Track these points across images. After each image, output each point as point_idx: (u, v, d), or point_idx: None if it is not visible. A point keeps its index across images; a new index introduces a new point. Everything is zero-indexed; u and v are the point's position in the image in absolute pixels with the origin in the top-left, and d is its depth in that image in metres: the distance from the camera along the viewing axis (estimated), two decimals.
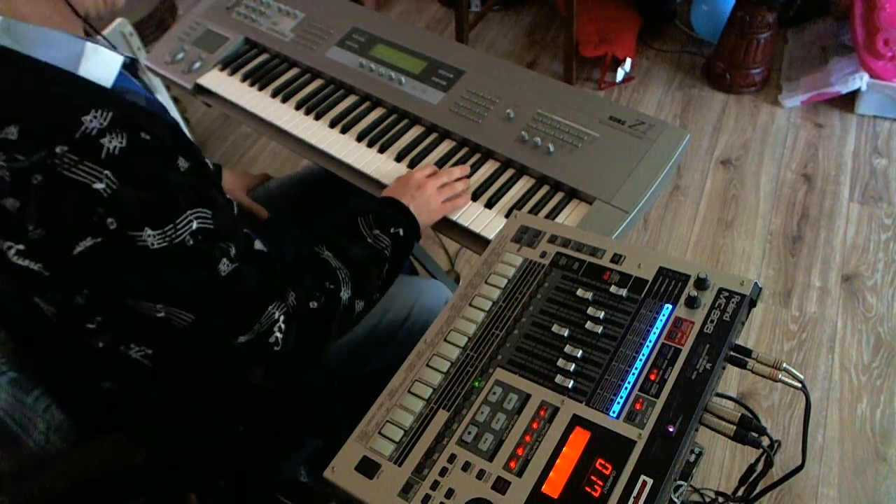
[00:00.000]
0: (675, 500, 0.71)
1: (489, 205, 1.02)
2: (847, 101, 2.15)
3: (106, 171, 0.62)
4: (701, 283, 0.69)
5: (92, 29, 0.80)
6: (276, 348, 0.77)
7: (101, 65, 0.69)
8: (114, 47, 0.79)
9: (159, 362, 0.81)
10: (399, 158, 1.11)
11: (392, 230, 0.91)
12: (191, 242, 0.68)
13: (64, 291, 0.71)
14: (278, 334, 0.77)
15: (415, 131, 1.15)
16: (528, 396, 0.66)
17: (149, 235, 0.65)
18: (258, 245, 0.98)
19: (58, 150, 0.61)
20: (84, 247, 0.64)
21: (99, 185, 0.62)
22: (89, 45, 0.69)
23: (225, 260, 0.72)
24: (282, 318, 0.77)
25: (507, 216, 1.00)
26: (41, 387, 0.83)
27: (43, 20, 0.69)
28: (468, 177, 1.06)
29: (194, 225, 0.68)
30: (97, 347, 0.77)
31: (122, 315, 0.73)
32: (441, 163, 1.09)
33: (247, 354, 0.77)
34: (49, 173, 0.62)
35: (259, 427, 0.99)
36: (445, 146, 1.12)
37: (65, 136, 0.62)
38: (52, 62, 0.66)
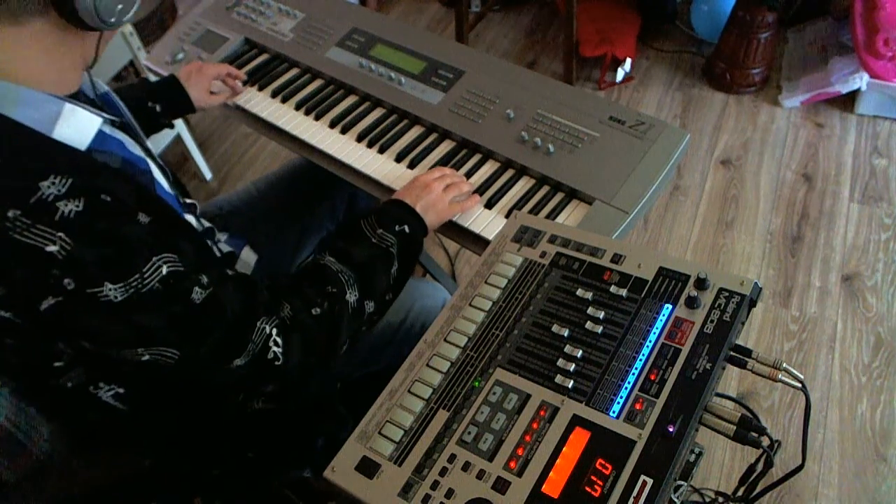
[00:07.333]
0: (675, 500, 0.71)
1: (489, 205, 1.02)
2: (847, 101, 2.15)
3: (59, 234, 0.62)
4: (701, 283, 0.69)
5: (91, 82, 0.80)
6: (276, 363, 0.76)
7: (76, 127, 0.69)
8: (106, 103, 0.78)
9: (133, 401, 0.79)
10: (399, 159, 1.11)
11: (397, 228, 0.89)
12: (159, 287, 0.68)
13: (40, 341, 0.71)
14: (276, 349, 0.76)
15: (415, 131, 1.15)
16: (528, 396, 0.66)
17: (109, 290, 0.65)
18: (246, 255, 0.96)
19: (10, 213, 0.60)
20: (48, 304, 0.64)
21: (52, 248, 0.62)
22: (67, 106, 0.69)
23: (197, 289, 0.71)
24: (274, 331, 0.76)
25: (507, 216, 1.00)
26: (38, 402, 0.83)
27: (40, 82, 0.68)
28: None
29: (164, 270, 0.68)
30: (66, 387, 0.75)
31: (95, 357, 0.73)
32: (441, 163, 1.09)
33: (248, 376, 0.76)
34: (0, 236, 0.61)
35: (267, 451, 0.98)
36: (445, 146, 1.12)
37: (19, 200, 0.61)
38: (26, 122, 0.65)
